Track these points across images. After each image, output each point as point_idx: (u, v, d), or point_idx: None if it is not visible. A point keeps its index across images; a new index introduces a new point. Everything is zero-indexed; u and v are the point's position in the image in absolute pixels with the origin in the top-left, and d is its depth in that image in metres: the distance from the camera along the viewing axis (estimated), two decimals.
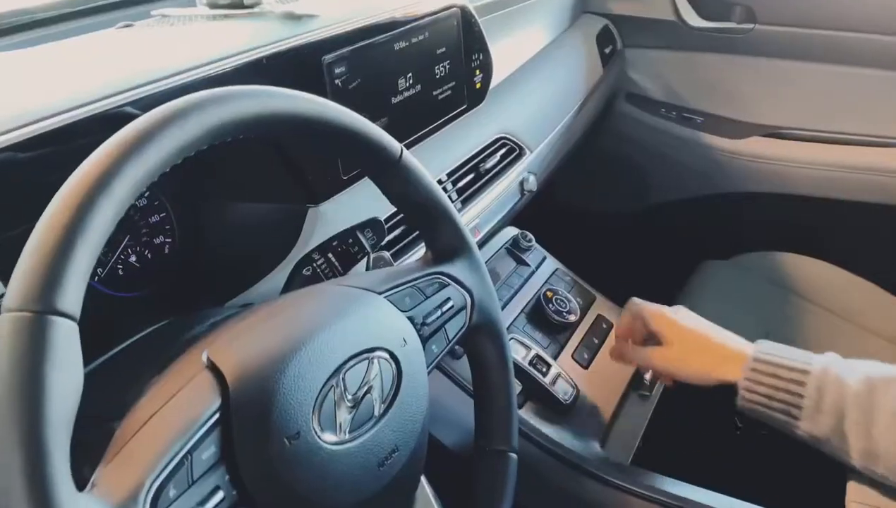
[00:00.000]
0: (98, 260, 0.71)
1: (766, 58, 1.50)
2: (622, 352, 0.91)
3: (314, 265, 0.66)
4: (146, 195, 0.76)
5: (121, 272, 0.74)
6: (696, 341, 0.83)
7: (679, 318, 0.87)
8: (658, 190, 1.73)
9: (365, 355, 0.50)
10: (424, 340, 0.58)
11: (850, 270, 1.41)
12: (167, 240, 0.78)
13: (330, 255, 0.67)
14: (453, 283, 0.63)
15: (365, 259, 0.69)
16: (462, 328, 0.63)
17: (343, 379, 0.48)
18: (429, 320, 0.59)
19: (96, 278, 0.72)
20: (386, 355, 0.52)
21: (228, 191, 0.78)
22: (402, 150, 0.58)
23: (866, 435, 0.68)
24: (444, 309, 0.61)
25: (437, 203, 0.61)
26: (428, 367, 0.58)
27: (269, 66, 0.70)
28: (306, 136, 0.52)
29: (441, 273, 0.62)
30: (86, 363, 0.61)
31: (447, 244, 0.64)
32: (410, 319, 0.58)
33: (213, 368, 0.46)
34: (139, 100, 0.61)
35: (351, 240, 0.67)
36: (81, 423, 0.37)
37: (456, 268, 0.63)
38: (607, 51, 1.55)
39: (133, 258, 0.75)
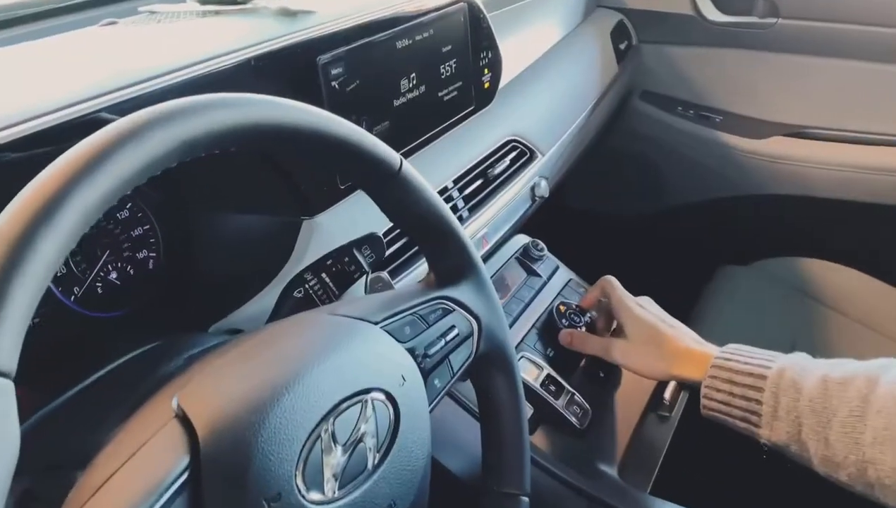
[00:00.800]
0: (75, 278, 0.68)
1: (789, 53, 1.45)
2: (581, 339, 0.89)
3: (307, 286, 0.60)
4: (128, 206, 0.70)
5: (100, 290, 0.69)
6: (657, 339, 0.81)
7: (642, 313, 0.84)
8: (674, 192, 1.67)
9: (358, 397, 0.44)
10: (426, 374, 0.53)
11: (877, 277, 1.35)
12: (151, 254, 0.73)
13: (324, 275, 0.61)
14: (458, 309, 0.57)
15: (363, 278, 0.63)
16: (468, 358, 0.57)
17: (332, 427, 0.43)
18: (431, 351, 0.53)
19: (72, 298, 0.66)
20: (382, 396, 0.46)
21: (216, 201, 0.73)
22: (401, 162, 0.52)
23: (824, 442, 0.65)
24: (449, 338, 0.55)
25: (440, 220, 0.55)
26: (430, 405, 0.52)
27: (259, 67, 0.64)
28: (291, 149, 0.46)
29: (445, 297, 0.56)
30: (58, 394, 0.57)
31: (452, 265, 0.58)
32: (411, 351, 0.52)
33: (183, 418, 0.40)
34: (118, 104, 0.55)
35: (347, 259, 0.61)
36: (42, 474, 0.32)
37: (461, 292, 0.57)
38: (622, 47, 1.49)
39: (114, 275, 0.70)
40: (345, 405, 0.44)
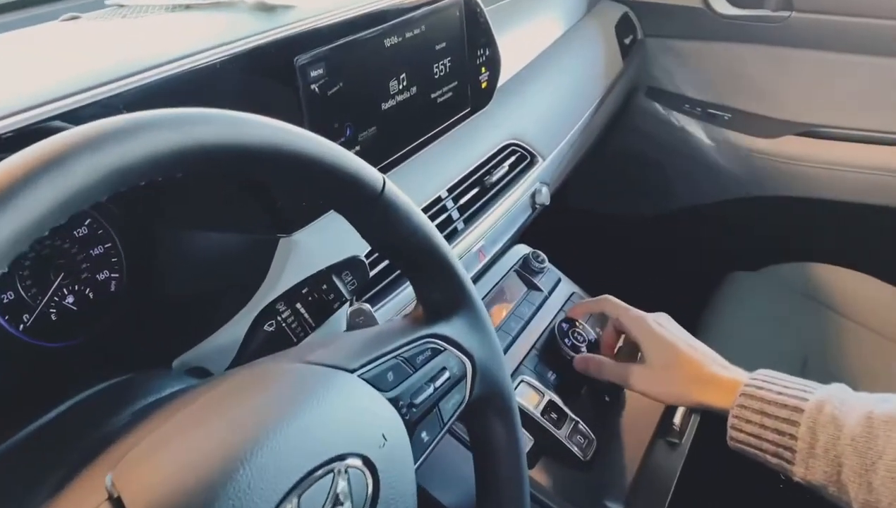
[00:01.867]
0: (24, 305, 0.61)
1: (803, 49, 1.38)
2: (597, 366, 0.81)
3: (279, 318, 0.54)
4: (87, 223, 0.63)
5: (54, 317, 0.62)
6: (679, 362, 0.74)
7: (662, 332, 0.77)
8: (680, 193, 1.61)
9: (329, 466, 0.38)
10: (412, 427, 0.46)
11: (892, 283, 1.30)
12: (114, 275, 0.66)
13: (299, 306, 0.54)
14: (450, 348, 0.50)
15: (343, 307, 0.56)
16: (461, 404, 0.50)
17: (298, 506, 0.36)
18: (418, 400, 0.47)
19: (21, 327, 0.59)
20: (358, 462, 0.39)
21: (184, 216, 0.66)
22: (384, 183, 0.45)
23: (867, 487, 0.59)
24: (439, 383, 0.48)
25: (429, 247, 0.49)
26: (416, 464, 0.45)
27: (230, 70, 0.58)
28: (249, 172, 0.39)
29: (434, 335, 0.49)
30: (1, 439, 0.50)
31: (442, 297, 0.51)
32: (394, 401, 0.45)
33: (117, 502, 0.33)
34: (72, 111, 0.49)
35: (325, 286, 0.54)
36: None
37: (453, 328, 0.50)
38: (627, 41, 1.43)
39: (70, 299, 0.63)
40: (312, 478, 0.37)
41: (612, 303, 0.84)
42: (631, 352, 0.83)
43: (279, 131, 0.39)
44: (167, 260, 0.66)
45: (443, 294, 0.51)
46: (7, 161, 0.30)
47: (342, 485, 0.38)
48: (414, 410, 0.46)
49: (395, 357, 0.47)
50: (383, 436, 0.42)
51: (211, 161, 0.36)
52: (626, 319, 0.81)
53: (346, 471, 0.38)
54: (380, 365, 0.46)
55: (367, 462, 0.40)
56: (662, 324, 0.79)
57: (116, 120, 0.33)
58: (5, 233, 0.28)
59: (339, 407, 0.41)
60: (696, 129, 1.50)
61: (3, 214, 0.28)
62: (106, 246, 0.65)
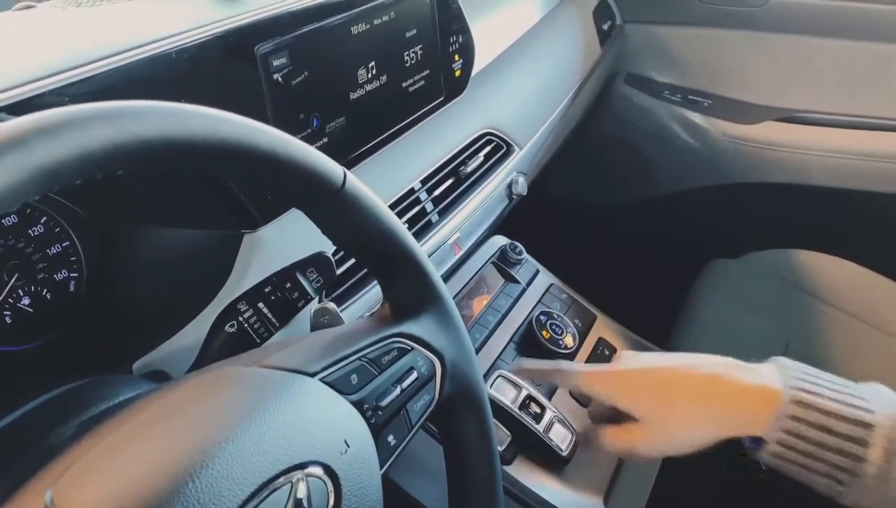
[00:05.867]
0: None
1: (782, 33, 1.37)
2: (607, 442, 0.62)
3: (241, 319, 0.52)
4: (42, 221, 0.61)
5: (8, 320, 0.59)
6: (681, 394, 0.58)
7: (636, 373, 0.61)
8: (661, 180, 1.60)
9: (287, 475, 0.36)
10: (378, 431, 0.44)
11: (874, 269, 1.29)
12: (73, 274, 0.63)
13: (261, 305, 0.52)
14: (418, 347, 0.48)
15: (309, 306, 0.54)
16: (430, 404, 0.48)
17: None
18: (384, 402, 0.45)
19: None
20: (319, 470, 0.37)
21: (145, 212, 0.63)
22: (344, 176, 0.43)
23: None
24: (406, 383, 0.46)
25: (394, 242, 0.47)
26: (382, 469, 0.43)
27: (187, 60, 0.55)
28: (194, 168, 0.37)
29: (401, 334, 0.47)
30: None
31: (409, 294, 0.49)
32: (358, 405, 0.43)
33: None
34: (16, 104, 0.47)
35: (290, 285, 0.52)
36: None
37: (421, 326, 0.49)
38: (605, 27, 1.41)
39: (26, 301, 0.61)
40: (269, 489, 0.35)
41: (564, 374, 0.66)
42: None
43: (224, 123, 0.37)
44: (128, 258, 0.64)
45: (410, 291, 0.49)
46: None
47: (301, 493, 0.36)
48: (380, 413, 0.45)
49: (359, 358, 0.45)
50: (345, 442, 0.40)
51: (150, 157, 0.34)
52: (588, 386, 0.63)
53: (305, 481, 0.37)
54: (342, 367, 0.44)
55: (328, 469, 0.38)
56: (630, 367, 0.62)
57: (44, 114, 0.31)
58: None
59: (297, 414, 0.39)
60: (676, 116, 1.49)
61: None
62: (64, 244, 0.62)
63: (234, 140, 0.37)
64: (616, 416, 0.63)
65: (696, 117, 1.47)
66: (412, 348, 0.48)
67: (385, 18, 0.73)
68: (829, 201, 1.40)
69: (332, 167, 0.43)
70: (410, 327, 0.48)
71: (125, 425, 0.37)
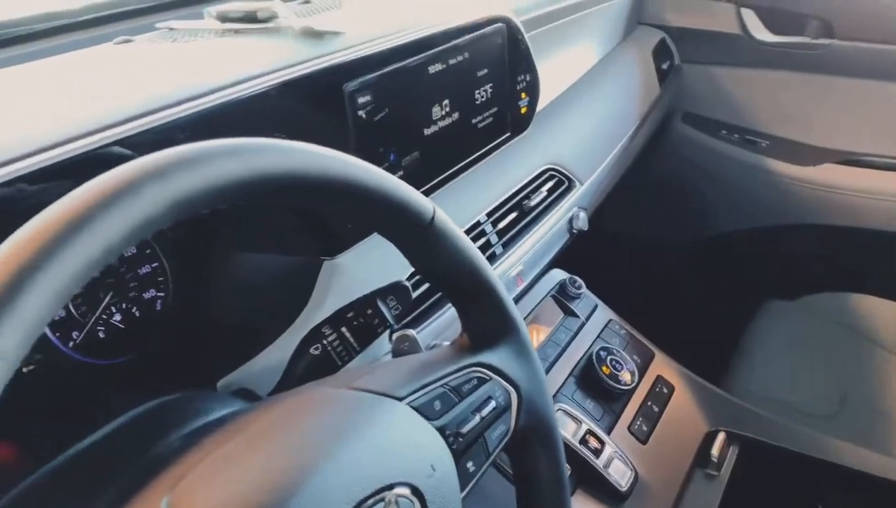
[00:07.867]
0: (74, 322, 0.62)
1: (843, 77, 1.36)
2: None
3: (325, 342, 0.54)
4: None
5: (101, 335, 0.63)
6: None
7: None
8: (717, 219, 1.59)
9: (379, 496, 0.38)
10: (458, 456, 0.46)
11: None
12: (160, 294, 0.67)
13: (344, 330, 0.54)
14: (496, 377, 0.50)
15: (387, 333, 0.56)
16: (506, 434, 0.50)
17: None
18: (464, 429, 0.46)
19: (70, 344, 0.60)
20: (407, 491, 0.39)
21: (231, 238, 0.67)
22: (433, 211, 0.46)
23: None
24: (485, 412, 0.48)
25: (477, 275, 0.49)
26: (463, 494, 0.45)
27: (281, 96, 0.59)
28: (304, 200, 0.39)
29: (480, 364, 0.49)
30: (49, 454, 0.51)
31: (488, 326, 0.51)
32: (441, 430, 0.45)
33: None
34: (130, 138, 0.51)
35: (370, 311, 0.54)
36: None
37: (499, 357, 0.50)
38: (664, 66, 1.43)
39: (118, 317, 0.64)
40: (363, 507, 0.37)
41: None
42: None
43: (334, 161, 0.39)
44: (212, 280, 0.67)
45: (489, 322, 0.51)
46: (84, 188, 0.31)
47: None
48: (460, 440, 0.46)
49: (441, 385, 0.47)
50: (432, 466, 0.42)
51: (267, 190, 0.37)
52: None
53: (395, 501, 0.38)
54: (427, 393, 0.46)
55: (416, 491, 0.40)
56: None
57: (182, 150, 0.34)
58: (84, 258, 0.29)
59: (389, 436, 0.41)
60: (733, 155, 1.49)
61: (79, 240, 0.29)
62: (153, 265, 0.66)
63: (343, 176, 0.39)
64: None
65: (753, 157, 1.46)
66: (490, 378, 0.50)
67: (460, 58, 0.76)
68: (888, 245, 1.38)
69: (423, 202, 0.45)
70: (489, 357, 0.50)
71: (231, 441, 0.39)
